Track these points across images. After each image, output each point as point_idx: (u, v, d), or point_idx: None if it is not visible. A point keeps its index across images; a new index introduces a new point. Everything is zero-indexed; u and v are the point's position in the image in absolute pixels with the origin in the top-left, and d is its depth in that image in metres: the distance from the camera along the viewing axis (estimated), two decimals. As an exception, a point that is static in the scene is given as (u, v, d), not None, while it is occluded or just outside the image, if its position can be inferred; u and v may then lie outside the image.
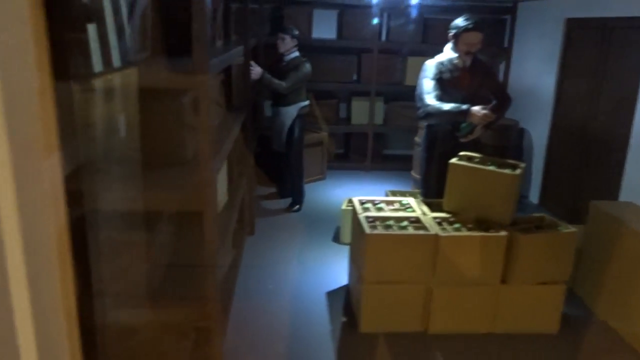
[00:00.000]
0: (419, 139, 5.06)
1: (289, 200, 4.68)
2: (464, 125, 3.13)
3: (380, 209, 3.05)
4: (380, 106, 5.86)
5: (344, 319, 2.91)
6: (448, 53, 3.20)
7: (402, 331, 2.81)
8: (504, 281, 2.79)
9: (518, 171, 2.80)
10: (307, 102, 4.52)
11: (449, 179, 2.91)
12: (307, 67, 4.35)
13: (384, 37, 5.81)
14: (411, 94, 5.79)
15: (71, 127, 1.92)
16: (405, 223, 2.83)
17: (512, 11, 5.58)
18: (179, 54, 2.02)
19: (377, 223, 2.83)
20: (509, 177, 2.75)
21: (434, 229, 2.73)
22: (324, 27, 5.82)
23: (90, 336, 2.15)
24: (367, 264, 2.69)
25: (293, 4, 5.61)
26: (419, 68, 5.71)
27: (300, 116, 4.47)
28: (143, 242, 2.08)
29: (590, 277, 3.15)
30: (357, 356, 2.65)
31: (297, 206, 4.59)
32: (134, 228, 2.09)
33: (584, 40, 4.36)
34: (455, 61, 3.16)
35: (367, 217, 2.86)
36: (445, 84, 3.16)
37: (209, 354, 2.11)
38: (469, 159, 3.01)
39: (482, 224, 2.84)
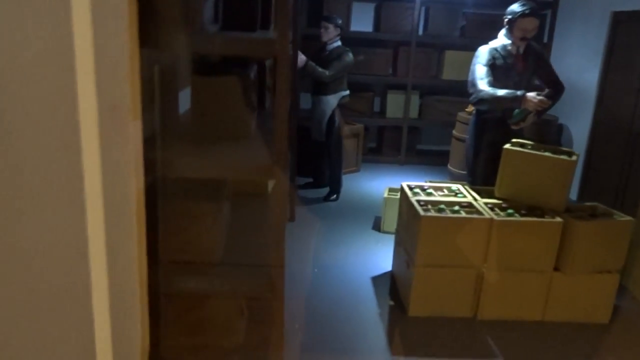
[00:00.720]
0: (457, 132, 5.04)
1: (325, 190, 4.69)
2: (517, 111, 3.10)
3: (430, 194, 3.04)
4: (415, 100, 5.84)
5: (391, 303, 2.91)
6: (502, 39, 3.18)
7: (451, 316, 2.80)
8: (557, 269, 2.76)
9: (574, 157, 2.77)
10: (347, 92, 4.52)
11: (502, 165, 2.89)
12: (350, 56, 4.36)
13: (421, 31, 5.79)
14: (447, 88, 5.82)
15: (150, 95, 1.96)
16: (457, 207, 2.81)
17: (553, 5, 5.53)
18: (243, 29, 2.04)
19: (430, 207, 2.82)
20: (566, 162, 2.72)
21: (488, 213, 2.72)
22: (362, 20, 5.83)
23: (156, 302, 2.18)
24: (420, 246, 2.69)
25: (332, -5, 5.62)
26: (456, 62, 5.78)
27: (340, 106, 4.48)
28: (210, 212, 2.11)
29: (639, 269, 3.11)
30: (406, 339, 2.64)
31: (335, 195, 4.60)
32: (204, 198, 2.12)
33: (632, 34, 4.29)
34: (509, 47, 3.14)
35: (419, 201, 2.86)
36: (498, 70, 3.14)
37: (271, 326, 2.12)
38: (522, 145, 2.98)
39: (535, 211, 2.81)
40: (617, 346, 2.67)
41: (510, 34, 3.13)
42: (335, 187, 4.61)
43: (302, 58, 4.08)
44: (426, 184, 3.17)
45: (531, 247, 2.70)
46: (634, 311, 3.01)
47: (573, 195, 4.98)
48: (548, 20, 5.63)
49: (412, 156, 5.96)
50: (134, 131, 1.12)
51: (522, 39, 3.09)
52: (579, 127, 4.97)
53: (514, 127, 3.20)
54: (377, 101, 6.16)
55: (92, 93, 1.00)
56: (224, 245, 2.20)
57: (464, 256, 2.72)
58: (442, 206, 2.82)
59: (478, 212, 2.76)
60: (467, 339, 2.67)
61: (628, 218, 2.78)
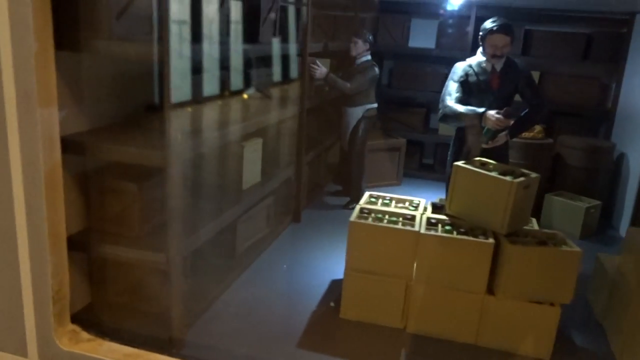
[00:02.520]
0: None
1: (352, 198, 4.85)
2: (485, 130, 3.02)
3: (386, 204, 3.10)
4: (470, 118, 5.68)
5: (332, 304, 3.02)
6: (478, 56, 3.12)
7: (381, 324, 2.84)
8: (491, 292, 2.66)
9: (520, 180, 2.65)
10: (374, 105, 4.66)
11: (452, 181, 2.86)
12: (374, 70, 4.50)
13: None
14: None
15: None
16: (396, 218, 2.86)
17: (629, 24, 5.03)
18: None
19: (371, 215, 2.90)
20: (507, 184, 2.62)
21: (419, 227, 2.73)
22: (422, 36, 5.86)
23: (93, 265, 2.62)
24: (349, 250, 2.79)
25: (391, 12, 5.77)
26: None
27: (365, 117, 4.62)
28: (131, 190, 2.50)
29: (616, 310, 2.81)
30: (330, 339, 2.76)
31: (354, 204, 4.73)
32: (128, 178, 2.51)
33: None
34: (484, 64, 3.07)
35: (362, 209, 2.95)
36: (473, 87, 3.09)
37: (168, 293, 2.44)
38: (482, 164, 2.91)
39: (476, 230, 2.74)
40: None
41: (483, 50, 3.06)
42: (355, 196, 4.74)
43: (322, 70, 4.33)
44: (391, 195, 3.23)
45: (461, 266, 2.65)
46: (594, 353, 2.75)
47: (624, 231, 4.48)
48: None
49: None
50: (45, 115, 1.57)
51: (494, 55, 3.00)
52: (637, 156, 4.47)
53: (484, 146, 3.11)
54: (433, 118, 6.12)
55: (12, 82, 1.48)
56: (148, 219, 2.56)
57: (392, 266, 2.76)
58: (381, 215, 2.88)
59: (412, 225, 2.77)
60: (391, 350, 2.70)
61: (576, 249, 2.57)
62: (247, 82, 3.67)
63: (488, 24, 3.00)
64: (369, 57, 4.55)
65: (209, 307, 2.90)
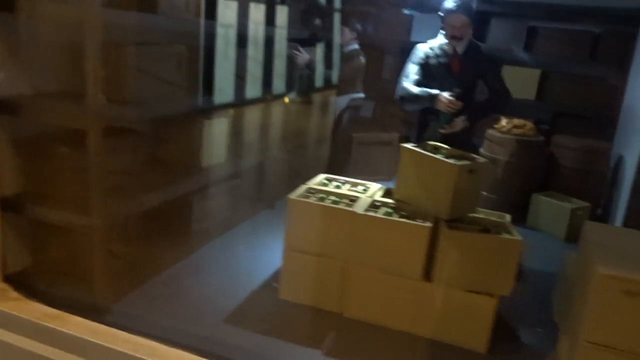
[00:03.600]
0: (485, 151, 4.66)
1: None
2: (442, 114, 2.91)
3: (338, 187, 3.02)
4: (469, 116, 5.52)
5: (275, 285, 2.96)
6: (440, 38, 3.01)
7: (318, 307, 2.76)
8: (428, 279, 2.55)
9: (462, 163, 2.52)
10: (360, 95, 4.58)
11: (399, 164, 2.76)
12: (360, 60, 4.43)
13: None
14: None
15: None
16: (339, 199, 2.78)
17: (638, 22, 4.76)
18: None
19: (316, 195, 2.83)
20: (449, 166, 2.50)
21: (357, 208, 2.64)
22: (424, 31, 5.74)
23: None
24: (288, 229, 2.73)
25: (393, 5, 5.68)
26: (515, 78, 5.31)
27: (350, 107, 4.55)
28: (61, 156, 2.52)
29: (567, 308, 2.64)
30: (259, 318, 2.69)
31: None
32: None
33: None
34: (445, 47, 2.96)
35: (310, 189, 2.89)
36: (433, 70, 2.98)
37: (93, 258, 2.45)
38: (435, 148, 2.80)
39: (419, 215, 2.63)
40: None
41: (444, 32, 2.96)
42: (337, 187, 4.67)
43: (305, 56, 4.30)
44: (343, 178, 3.15)
45: (397, 250, 2.55)
46: (536, 349, 2.59)
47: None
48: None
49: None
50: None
51: (453, 37, 2.89)
52: (632, 159, 4.21)
53: (442, 132, 2.99)
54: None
55: None
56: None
57: (329, 247, 2.68)
58: (325, 196, 2.81)
59: (349, 205, 2.69)
60: (325, 334, 2.62)
61: (516, 239, 2.43)
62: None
63: (447, 3, 2.89)
64: (357, 46, 4.48)
65: (149, 279, 2.89)
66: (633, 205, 3.97)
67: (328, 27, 4.60)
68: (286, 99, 4.36)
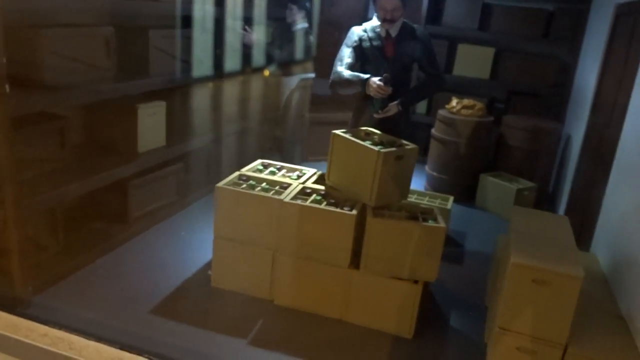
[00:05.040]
0: (436, 132, 4.65)
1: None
2: (375, 99, 2.87)
3: (272, 173, 2.98)
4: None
5: (209, 272, 2.93)
6: (374, 20, 2.95)
7: (251, 295, 2.75)
8: (356, 267, 2.54)
9: (389, 150, 2.49)
10: (310, 75, 4.51)
11: (329, 150, 2.73)
12: (309, 39, 4.34)
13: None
14: (457, 83, 5.32)
15: None
16: (270, 187, 2.74)
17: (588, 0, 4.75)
18: None
19: (247, 182, 2.78)
20: (374, 153, 2.47)
21: (285, 196, 2.60)
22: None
23: None
24: (216, 217, 2.69)
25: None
26: (469, 57, 5.28)
27: (300, 87, 4.48)
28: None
29: (492, 291, 2.67)
30: (188, 306, 2.66)
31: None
32: None
33: (631, 31, 3.56)
34: (378, 29, 2.90)
35: (242, 176, 2.84)
36: (367, 54, 2.92)
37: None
38: (367, 134, 2.77)
39: (349, 202, 2.61)
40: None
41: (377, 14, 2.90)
42: (288, 169, 4.63)
43: (252, 36, 4.20)
44: (279, 164, 3.10)
45: (324, 239, 2.53)
46: (463, 338, 2.63)
47: (563, 205, 4.29)
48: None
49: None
50: None
51: (384, 19, 2.83)
52: (577, 138, 4.25)
53: (376, 116, 2.95)
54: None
55: None
56: None
57: (259, 235, 2.65)
58: (255, 182, 2.76)
59: (280, 193, 2.66)
60: (256, 321, 2.60)
61: (440, 226, 2.43)
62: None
63: (379, -16, 2.83)
64: (306, 25, 4.38)
65: (79, 269, 2.84)
66: (576, 186, 4.02)
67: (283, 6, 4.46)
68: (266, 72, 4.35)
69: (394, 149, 2.52)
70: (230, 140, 4.30)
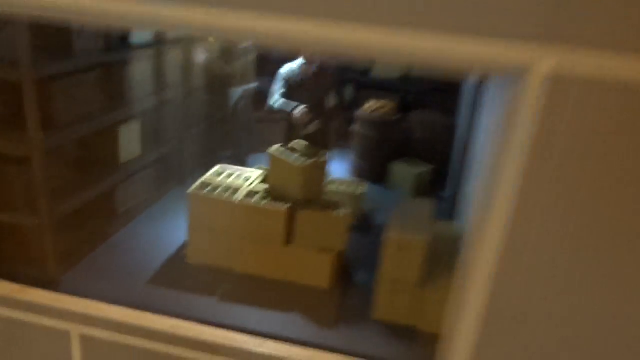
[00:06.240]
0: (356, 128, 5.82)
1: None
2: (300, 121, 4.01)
3: (228, 176, 4.07)
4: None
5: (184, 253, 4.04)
6: (301, 59, 4.06)
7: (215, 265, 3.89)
8: (290, 242, 3.72)
9: (306, 162, 3.64)
10: (252, 85, 5.56)
11: (269, 162, 3.84)
12: (247, 57, 5.37)
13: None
14: (377, 83, 6.41)
15: None
16: (224, 191, 3.84)
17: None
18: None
19: (209, 187, 3.87)
20: (295, 167, 3.62)
21: (236, 197, 3.73)
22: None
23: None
24: (190, 218, 3.79)
25: None
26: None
27: (244, 97, 5.53)
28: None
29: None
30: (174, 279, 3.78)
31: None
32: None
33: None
34: (303, 67, 4.01)
35: (204, 183, 3.92)
36: (294, 86, 4.04)
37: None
38: (293, 149, 3.89)
39: (285, 198, 3.75)
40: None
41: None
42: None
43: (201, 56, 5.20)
44: (232, 168, 4.20)
45: (265, 225, 3.68)
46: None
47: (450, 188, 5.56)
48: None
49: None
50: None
51: (305, 62, 3.94)
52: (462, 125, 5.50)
53: (302, 133, 4.09)
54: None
55: None
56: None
57: (220, 226, 3.77)
58: (211, 189, 3.86)
59: (233, 194, 3.77)
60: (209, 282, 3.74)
61: (341, 215, 3.62)
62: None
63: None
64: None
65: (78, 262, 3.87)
66: (456, 167, 5.31)
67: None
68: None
69: (311, 160, 3.67)
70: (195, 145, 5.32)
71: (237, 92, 5.46)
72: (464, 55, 1.50)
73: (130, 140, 4.34)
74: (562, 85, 1.49)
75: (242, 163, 4.99)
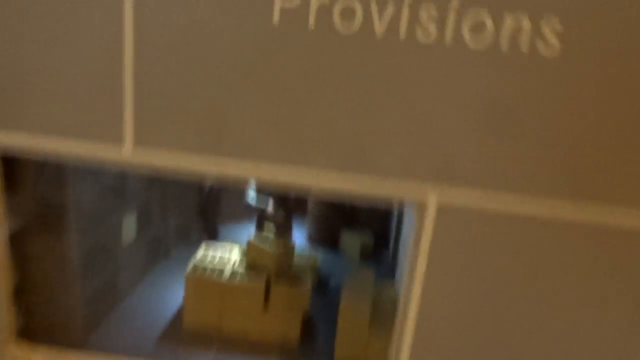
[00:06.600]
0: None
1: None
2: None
3: (213, 256, 5.14)
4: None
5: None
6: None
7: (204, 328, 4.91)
8: (267, 304, 4.82)
9: (274, 249, 4.79)
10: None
11: (246, 247, 4.98)
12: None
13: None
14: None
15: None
16: (211, 271, 4.92)
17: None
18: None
19: (201, 268, 4.94)
20: (265, 253, 4.77)
21: (223, 277, 4.82)
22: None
23: None
24: (185, 299, 4.83)
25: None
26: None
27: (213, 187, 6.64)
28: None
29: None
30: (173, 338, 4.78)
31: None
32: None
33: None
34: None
35: (195, 266, 4.99)
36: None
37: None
38: (265, 237, 5.04)
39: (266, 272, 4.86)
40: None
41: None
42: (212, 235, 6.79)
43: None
44: (213, 247, 5.29)
45: (243, 296, 4.78)
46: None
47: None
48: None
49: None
50: None
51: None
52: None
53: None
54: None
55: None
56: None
57: (210, 301, 4.84)
58: (202, 271, 4.94)
59: (220, 274, 4.86)
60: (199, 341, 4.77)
61: (301, 290, 4.77)
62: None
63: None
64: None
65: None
66: (397, 234, 6.60)
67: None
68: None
69: (280, 249, 4.82)
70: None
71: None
72: (377, 190, 2.79)
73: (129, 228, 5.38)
74: (447, 214, 2.78)
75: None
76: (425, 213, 2.88)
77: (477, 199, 2.79)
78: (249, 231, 6.42)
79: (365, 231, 6.88)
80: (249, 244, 4.94)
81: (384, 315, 4.70)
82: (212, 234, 6.81)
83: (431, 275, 2.97)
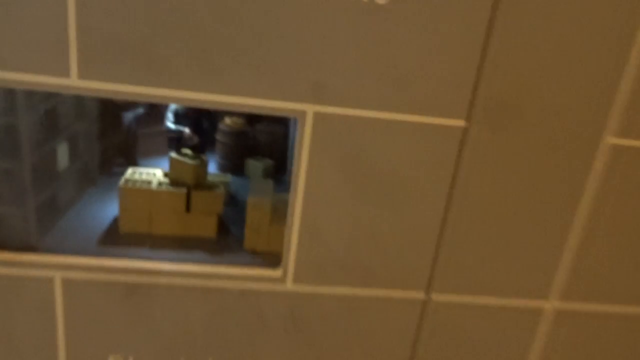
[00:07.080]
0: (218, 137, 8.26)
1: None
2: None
3: (140, 174, 6.25)
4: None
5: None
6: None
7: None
8: (188, 210, 6.06)
9: (192, 161, 6.02)
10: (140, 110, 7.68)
11: (169, 162, 6.14)
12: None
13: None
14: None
15: None
16: (140, 182, 6.05)
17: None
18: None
19: (131, 181, 6.03)
20: (186, 165, 5.99)
21: (152, 186, 5.97)
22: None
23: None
24: (120, 206, 5.93)
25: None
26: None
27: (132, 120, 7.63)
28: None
29: (246, 215, 6.47)
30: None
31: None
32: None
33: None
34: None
35: (127, 179, 6.07)
36: (181, 116, 6.37)
37: None
38: (184, 153, 6.23)
39: (186, 184, 6.07)
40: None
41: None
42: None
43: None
44: (139, 170, 6.39)
45: (168, 201, 5.98)
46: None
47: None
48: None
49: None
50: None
51: (187, 102, 6.33)
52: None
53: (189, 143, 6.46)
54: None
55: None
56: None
57: (141, 203, 5.98)
58: (132, 180, 6.05)
59: (149, 184, 6.00)
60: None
61: (217, 192, 6.08)
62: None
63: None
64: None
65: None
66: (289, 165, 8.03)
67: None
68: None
69: (197, 161, 6.05)
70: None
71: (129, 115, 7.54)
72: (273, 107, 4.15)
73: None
74: (321, 120, 4.19)
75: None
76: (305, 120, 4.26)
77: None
78: (165, 165, 7.52)
79: (267, 159, 8.24)
80: (172, 159, 6.10)
81: (281, 213, 6.14)
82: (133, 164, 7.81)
83: (311, 173, 4.40)
